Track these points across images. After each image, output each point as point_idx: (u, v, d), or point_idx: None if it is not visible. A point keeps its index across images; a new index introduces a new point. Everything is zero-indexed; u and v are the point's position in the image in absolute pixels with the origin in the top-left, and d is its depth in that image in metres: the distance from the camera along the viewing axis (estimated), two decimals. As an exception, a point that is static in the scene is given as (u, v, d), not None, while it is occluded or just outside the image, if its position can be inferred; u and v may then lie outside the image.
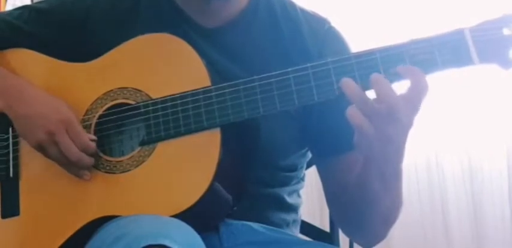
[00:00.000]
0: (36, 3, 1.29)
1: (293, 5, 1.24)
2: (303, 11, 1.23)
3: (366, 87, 0.98)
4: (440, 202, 2.30)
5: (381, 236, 1.16)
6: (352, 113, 0.97)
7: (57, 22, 1.22)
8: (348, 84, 0.98)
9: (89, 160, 1.10)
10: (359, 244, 1.22)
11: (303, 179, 1.28)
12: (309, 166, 1.29)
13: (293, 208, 1.25)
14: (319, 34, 1.21)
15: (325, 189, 1.22)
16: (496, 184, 2.26)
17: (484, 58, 0.96)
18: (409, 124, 0.98)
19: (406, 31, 2.17)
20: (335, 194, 1.19)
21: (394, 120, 0.97)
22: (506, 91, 2.17)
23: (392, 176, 1.05)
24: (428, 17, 2.17)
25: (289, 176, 1.23)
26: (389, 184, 1.06)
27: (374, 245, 1.19)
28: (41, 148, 1.12)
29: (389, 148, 1.00)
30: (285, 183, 1.22)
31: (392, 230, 1.15)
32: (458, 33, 0.97)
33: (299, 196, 1.27)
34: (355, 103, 0.97)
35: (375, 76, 0.97)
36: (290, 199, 1.23)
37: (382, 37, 2.17)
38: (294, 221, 1.26)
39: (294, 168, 1.23)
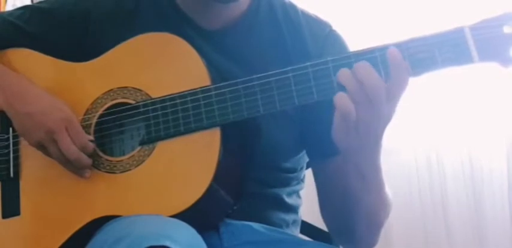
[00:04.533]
0: (38, 3, 1.29)
1: (294, 8, 1.24)
2: (304, 13, 1.23)
3: None
4: (441, 201, 2.30)
5: (368, 241, 1.16)
6: (341, 98, 0.97)
7: (58, 22, 1.22)
8: (343, 72, 0.98)
9: (87, 160, 1.10)
10: None
11: (303, 180, 1.28)
12: (308, 166, 1.28)
13: (293, 209, 1.25)
14: (320, 37, 1.21)
15: (319, 193, 1.22)
16: (496, 184, 2.25)
17: (484, 56, 0.95)
18: (388, 117, 0.99)
19: (406, 29, 2.16)
20: (327, 199, 1.20)
21: (376, 110, 0.97)
22: (507, 91, 2.16)
23: (370, 172, 1.06)
24: (428, 15, 2.16)
25: (290, 177, 1.23)
26: (369, 182, 1.07)
27: None
28: (40, 146, 1.12)
29: (365, 141, 1.01)
30: (286, 183, 1.22)
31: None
32: (458, 32, 0.96)
33: (299, 196, 1.27)
34: (346, 86, 0.97)
35: (360, 63, 0.97)
36: (290, 200, 1.23)
37: (382, 35, 2.16)
38: (294, 221, 1.25)
39: (294, 169, 1.23)
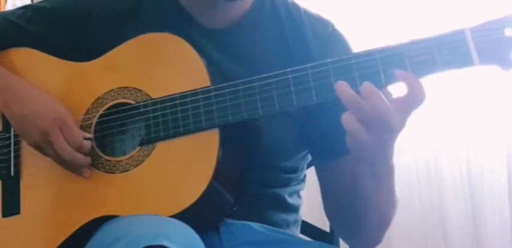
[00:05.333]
0: (39, 2, 1.29)
1: (297, 7, 1.23)
2: (306, 13, 1.23)
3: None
4: (439, 204, 2.28)
5: (377, 239, 1.16)
6: (347, 119, 0.98)
7: (58, 21, 1.22)
8: (343, 89, 0.97)
9: (83, 159, 1.10)
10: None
11: (303, 180, 1.28)
12: (308, 166, 1.28)
13: (294, 208, 1.24)
14: (323, 37, 1.20)
15: (323, 192, 1.22)
16: (495, 187, 2.23)
17: (485, 59, 0.95)
18: (400, 128, 0.99)
19: (407, 30, 2.15)
20: (333, 197, 1.19)
21: (387, 127, 0.97)
22: (506, 93, 2.14)
23: (383, 171, 1.06)
24: (429, 16, 2.14)
25: (290, 177, 1.23)
26: (381, 180, 1.06)
27: None
28: (37, 147, 1.12)
29: (380, 149, 1.01)
30: (286, 184, 1.22)
31: (392, 232, 1.14)
32: (459, 34, 0.95)
33: (299, 196, 1.27)
34: (349, 108, 0.97)
35: (365, 86, 0.96)
36: (291, 200, 1.23)
37: (384, 35, 2.15)
38: (295, 221, 1.25)
39: (295, 170, 1.23)
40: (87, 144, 1.10)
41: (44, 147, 1.11)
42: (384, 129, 0.98)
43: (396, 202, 1.13)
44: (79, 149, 1.09)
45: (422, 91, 0.96)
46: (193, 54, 1.09)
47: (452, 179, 2.28)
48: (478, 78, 2.10)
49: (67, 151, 1.08)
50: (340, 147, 1.03)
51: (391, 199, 1.11)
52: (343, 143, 1.01)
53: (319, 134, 1.17)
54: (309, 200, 1.29)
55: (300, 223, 1.29)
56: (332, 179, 1.19)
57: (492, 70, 0.96)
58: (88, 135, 1.11)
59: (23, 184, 1.17)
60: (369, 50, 0.99)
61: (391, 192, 1.10)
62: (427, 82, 0.97)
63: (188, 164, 1.06)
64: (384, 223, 1.14)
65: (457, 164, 2.27)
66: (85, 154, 1.10)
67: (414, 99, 0.97)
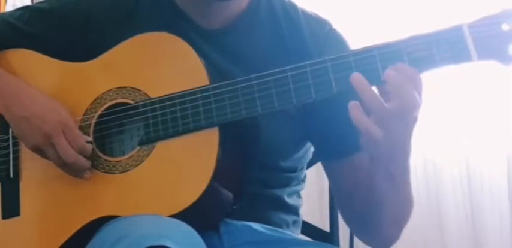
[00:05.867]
0: (38, 3, 1.29)
1: (294, 6, 1.23)
2: (304, 12, 1.23)
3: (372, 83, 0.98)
4: (438, 206, 2.28)
5: (394, 237, 1.15)
6: (357, 117, 0.97)
7: (57, 22, 1.22)
8: (359, 80, 0.97)
9: (85, 163, 1.09)
10: (373, 246, 1.21)
11: (303, 180, 1.27)
12: (309, 166, 1.28)
13: (293, 209, 1.24)
14: (320, 36, 1.20)
15: (335, 191, 1.21)
16: (495, 188, 2.22)
17: (483, 54, 0.95)
18: (414, 120, 0.99)
19: (404, 27, 2.15)
20: (346, 196, 1.18)
21: (403, 118, 0.97)
22: (506, 95, 2.13)
23: (399, 174, 1.05)
24: (427, 12, 2.15)
25: (290, 177, 1.22)
26: (397, 182, 1.05)
27: (388, 247, 1.18)
28: (37, 149, 1.12)
29: (395, 146, 1.00)
30: (286, 184, 1.22)
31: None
32: (457, 29, 0.96)
33: (299, 197, 1.26)
34: (364, 100, 0.96)
35: (389, 71, 0.96)
36: (290, 200, 1.23)
37: (381, 33, 2.15)
38: (295, 222, 1.25)
39: (294, 169, 1.22)
40: (89, 146, 1.10)
41: (45, 149, 1.10)
42: (399, 118, 0.96)
43: (413, 201, 1.11)
44: (81, 152, 1.09)
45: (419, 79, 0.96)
46: (192, 53, 1.09)
47: (452, 181, 2.28)
48: (477, 79, 2.09)
49: (70, 153, 1.08)
50: (346, 146, 1.02)
51: (408, 199, 1.10)
52: (348, 142, 1.01)
53: (323, 135, 1.16)
54: (309, 201, 1.28)
55: (300, 224, 1.28)
56: (344, 178, 1.17)
57: (491, 68, 0.96)
58: (89, 138, 1.11)
59: (22, 185, 1.16)
60: (367, 47, 0.99)
61: (407, 193, 1.09)
62: (427, 83, 0.98)
63: (188, 163, 1.06)
64: (400, 222, 1.13)
65: (456, 165, 2.27)
66: (87, 157, 1.10)
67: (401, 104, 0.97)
